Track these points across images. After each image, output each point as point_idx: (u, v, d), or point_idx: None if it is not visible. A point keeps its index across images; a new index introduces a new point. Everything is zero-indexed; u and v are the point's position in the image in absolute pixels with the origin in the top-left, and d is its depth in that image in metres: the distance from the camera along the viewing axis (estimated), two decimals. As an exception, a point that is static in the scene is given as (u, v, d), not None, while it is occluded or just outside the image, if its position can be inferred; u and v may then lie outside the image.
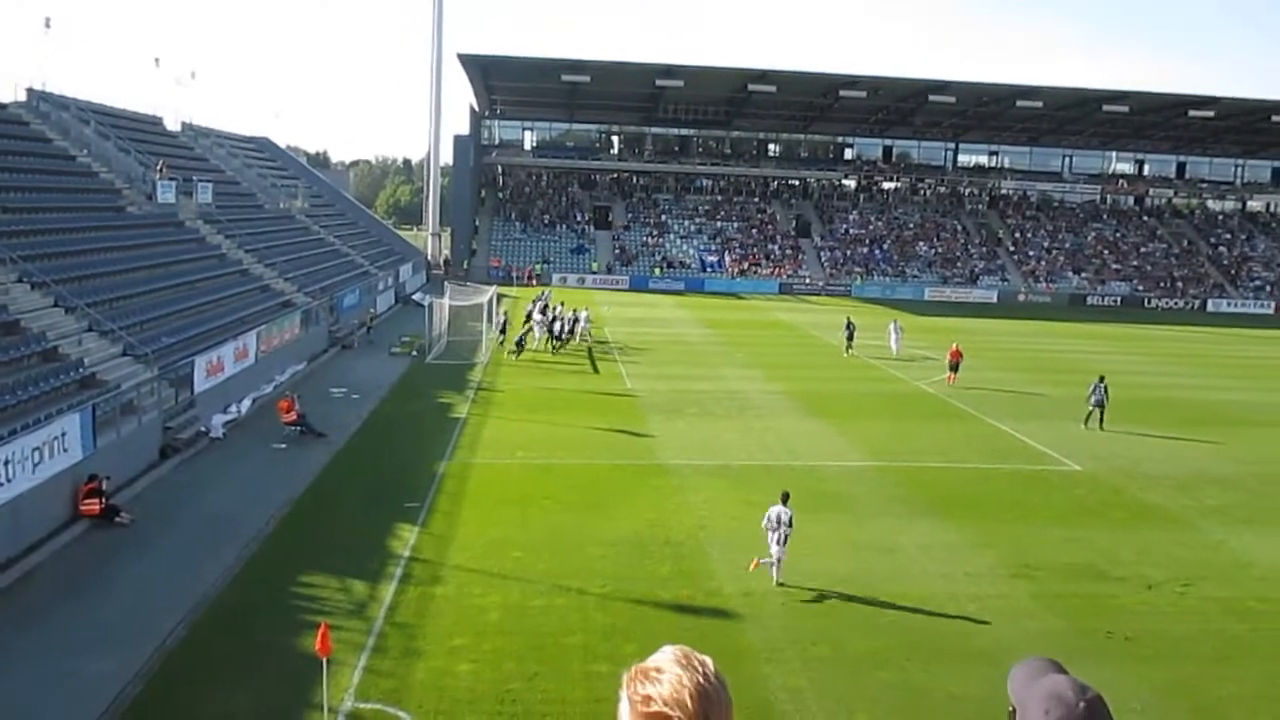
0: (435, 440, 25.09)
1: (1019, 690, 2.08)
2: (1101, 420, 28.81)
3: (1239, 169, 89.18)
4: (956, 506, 20.76)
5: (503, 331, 41.60)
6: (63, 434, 18.05)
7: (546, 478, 22.08)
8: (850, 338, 42.29)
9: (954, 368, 35.81)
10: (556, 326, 40.96)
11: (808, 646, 13.89)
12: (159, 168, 38.78)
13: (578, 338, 42.14)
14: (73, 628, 13.80)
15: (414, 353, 38.69)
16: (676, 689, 1.60)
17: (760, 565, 16.30)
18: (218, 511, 19.12)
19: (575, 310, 44.18)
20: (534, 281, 68.35)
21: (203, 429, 24.61)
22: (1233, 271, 79.98)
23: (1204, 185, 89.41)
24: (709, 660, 1.69)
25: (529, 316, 43.51)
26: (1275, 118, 74.84)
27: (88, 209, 33.06)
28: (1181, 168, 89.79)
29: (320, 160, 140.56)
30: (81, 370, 21.97)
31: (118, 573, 16.00)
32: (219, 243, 38.83)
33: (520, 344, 38.70)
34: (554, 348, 39.78)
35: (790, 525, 16.06)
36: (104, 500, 18.08)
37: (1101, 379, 29.28)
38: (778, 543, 16.06)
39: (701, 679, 1.63)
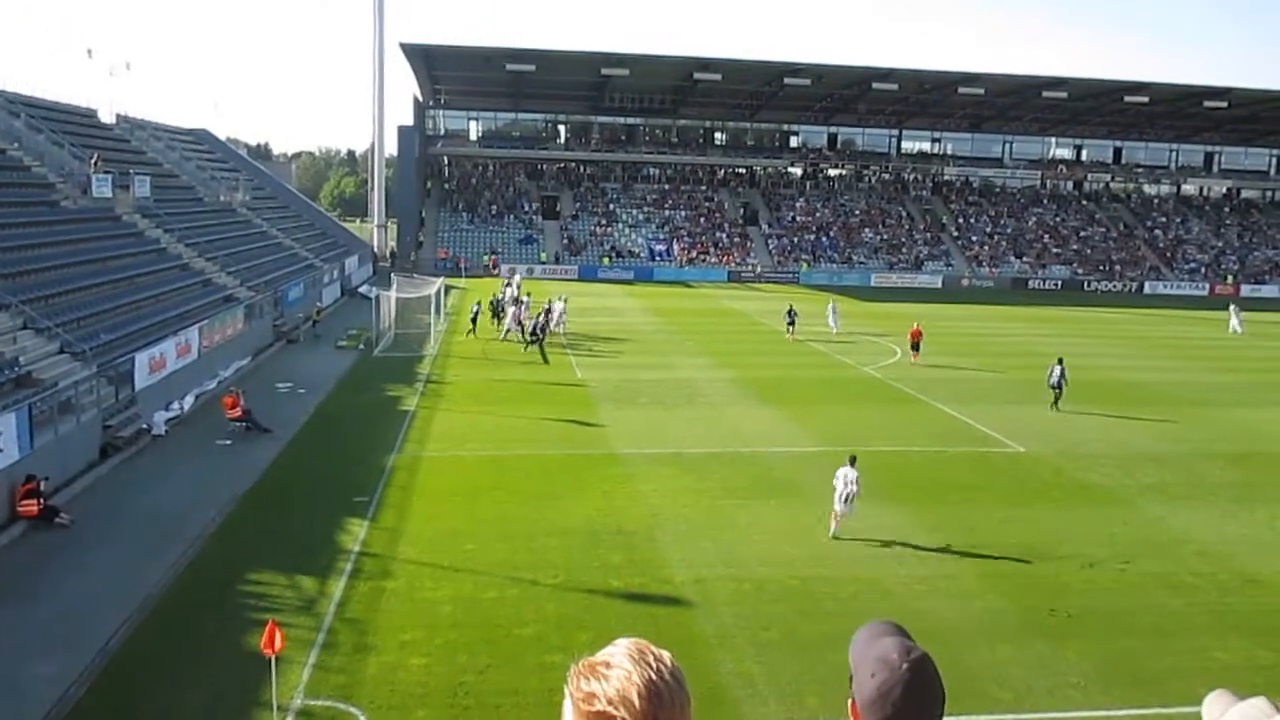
0: (384, 434, 24.87)
1: (854, 656, 2.07)
2: (1057, 401, 29.54)
3: (1173, 153, 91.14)
4: (904, 489, 21.05)
5: (474, 322, 41.49)
6: (-2, 434, 17.62)
7: (497, 469, 22.00)
8: (792, 323, 43.20)
9: (915, 347, 37.15)
10: (529, 318, 39.57)
11: (758, 631, 14.01)
12: (94, 161, 37.87)
13: (554, 326, 40.81)
14: (12, 632, 13.49)
15: (361, 346, 38.29)
16: (623, 686, 1.46)
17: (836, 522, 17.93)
18: (161, 510, 18.79)
19: (550, 300, 43.69)
20: (501, 271, 65.99)
21: (145, 426, 24.15)
22: (1168, 254, 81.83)
23: (1140, 170, 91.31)
24: (666, 655, 1.55)
25: (507, 305, 43.02)
26: (1206, 103, 76.63)
27: (20, 204, 32.18)
28: (1118, 153, 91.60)
29: (262, 152, 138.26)
30: (17, 369, 21.40)
31: (58, 575, 15.66)
32: (158, 237, 38.05)
33: (535, 334, 37.81)
34: (528, 342, 38.13)
35: (857, 485, 17.70)
36: (42, 501, 17.68)
37: (1060, 361, 30.15)
38: (843, 500, 17.73)
39: (654, 675, 1.48)
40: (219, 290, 36.68)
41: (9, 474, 17.66)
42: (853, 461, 18.04)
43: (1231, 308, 53.14)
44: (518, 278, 53.91)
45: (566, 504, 19.51)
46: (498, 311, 42.88)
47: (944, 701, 2.00)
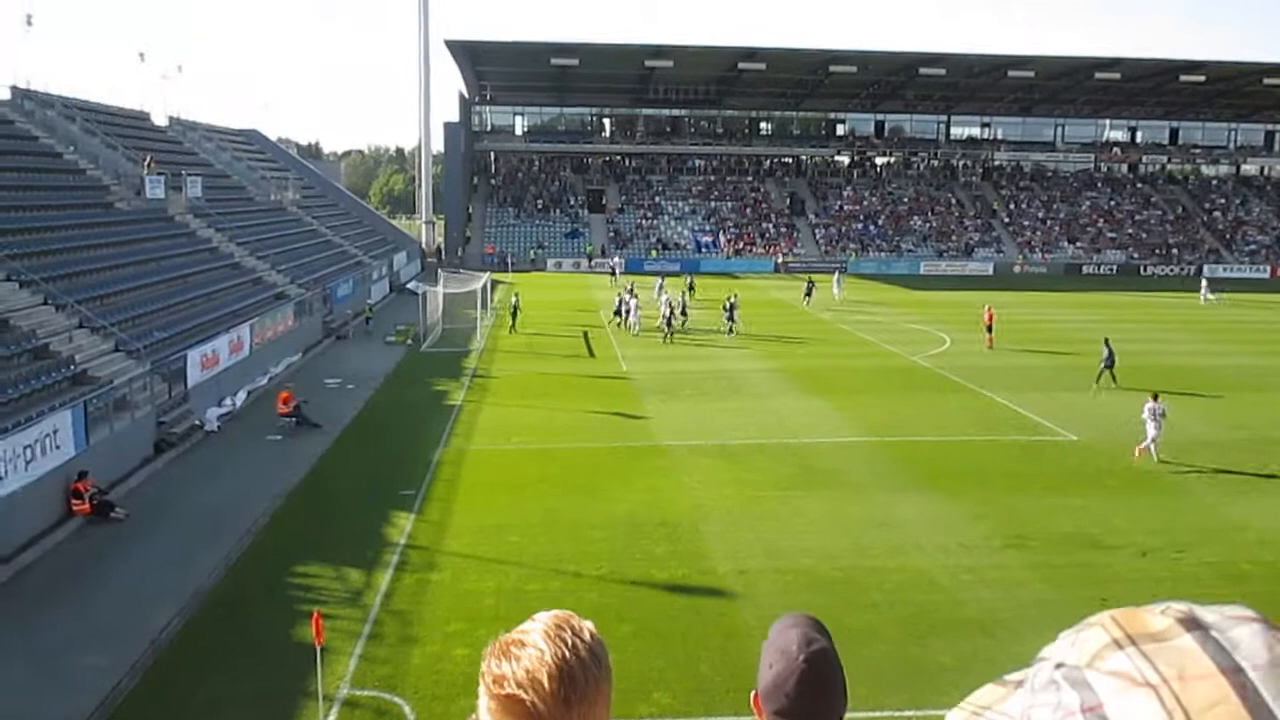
0: (431, 428, 25.09)
1: (763, 647, 2.06)
2: (1113, 378, 29.71)
3: (1232, 133, 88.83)
4: (951, 479, 20.77)
5: (617, 313, 42.71)
6: (54, 431, 18.06)
7: (542, 462, 22.09)
8: (809, 293, 50.88)
9: (989, 329, 37.84)
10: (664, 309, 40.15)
11: (802, 622, 13.89)
12: (147, 163, 38.61)
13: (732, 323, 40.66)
14: (67, 624, 13.82)
15: (409, 341, 38.65)
16: (534, 666, 1.37)
17: (1144, 451, 22.02)
18: (213, 504, 19.13)
19: (676, 292, 44.29)
20: (614, 270, 64.91)
21: (197, 423, 24.61)
22: (1228, 236, 79.83)
23: (1197, 151, 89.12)
24: (588, 629, 1.46)
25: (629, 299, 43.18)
26: (1266, 80, 74.57)
27: (76, 206, 32.96)
28: (1174, 134, 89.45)
29: (312, 151, 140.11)
30: (73, 367, 21.95)
31: (112, 568, 16.02)
32: (210, 236, 38.74)
33: (669, 322, 39.17)
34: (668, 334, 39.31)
35: (1164, 415, 22.06)
36: (94, 501, 17.99)
37: (1106, 341, 30.42)
38: (1157, 428, 21.87)
39: (567, 653, 1.39)
40: (269, 288, 37.25)
41: (65, 470, 18.09)
42: (1156, 397, 22.44)
43: (1204, 282, 58.94)
44: (615, 262, 61.75)
45: (610, 496, 19.54)
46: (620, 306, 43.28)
47: (844, 696, 1.98)
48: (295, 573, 15.87)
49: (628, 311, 41.80)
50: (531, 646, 1.40)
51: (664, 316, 39.58)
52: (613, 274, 63.21)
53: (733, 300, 41.83)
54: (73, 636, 13.40)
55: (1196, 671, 0.72)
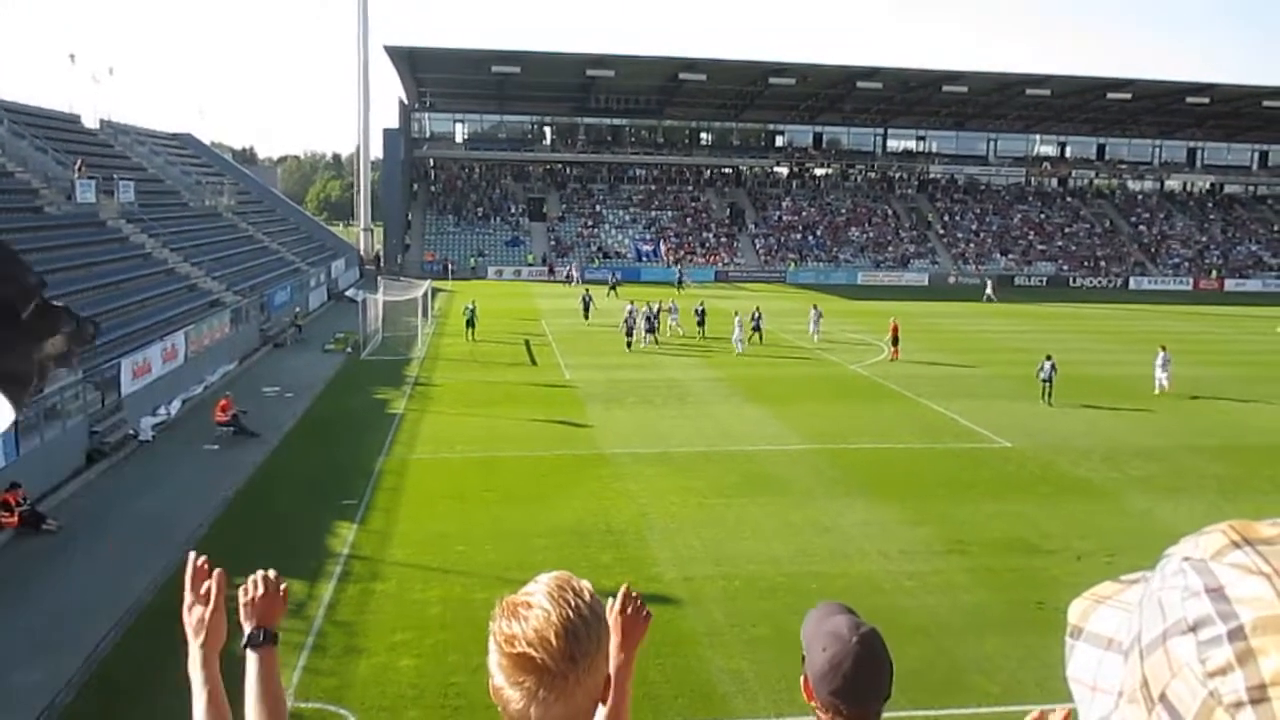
0: (372, 437, 24.83)
1: (807, 634, 2.18)
2: (1050, 395, 29.94)
3: (1156, 149, 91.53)
4: (892, 486, 21.11)
5: (586, 313, 45.33)
6: (-18, 442, 17.54)
7: (487, 471, 21.99)
8: (680, 283, 59.57)
9: (894, 342, 37.61)
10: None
11: (748, 628, 14.05)
12: (77, 166, 37.70)
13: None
14: (-1, 639, 13.44)
15: (348, 349, 38.19)
16: (541, 626, 1.48)
17: (1162, 389, 28.73)
18: (148, 515, 18.73)
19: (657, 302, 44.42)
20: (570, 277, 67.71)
21: (131, 432, 24.07)
22: (1152, 250, 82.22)
23: (1123, 166, 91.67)
24: (586, 588, 1.57)
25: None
26: (1189, 99, 77.04)
27: (4, 210, 32.07)
28: (1102, 149, 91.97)
29: (247, 156, 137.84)
30: (1, 376, 21.30)
31: (45, 581, 15.60)
32: (143, 242, 37.93)
33: (641, 330, 39.83)
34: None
35: (1169, 362, 29.91)
36: (22, 514, 17.48)
37: (1049, 357, 30.48)
38: (1163, 370, 29.67)
39: (571, 613, 1.50)
40: (204, 295, 36.57)
41: (-6, 481, 17.58)
42: (1164, 348, 31.17)
43: (988, 281, 65.79)
44: (571, 270, 66.91)
45: (556, 504, 19.53)
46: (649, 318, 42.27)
47: (892, 674, 2.10)
48: (234, 584, 15.35)
49: (651, 317, 41.16)
50: (538, 608, 1.51)
51: (649, 318, 40.41)
52: (568, 281, 65.95)
53: (757, 315, 41.93)
54: (5, 652, 13.01)
55: None
